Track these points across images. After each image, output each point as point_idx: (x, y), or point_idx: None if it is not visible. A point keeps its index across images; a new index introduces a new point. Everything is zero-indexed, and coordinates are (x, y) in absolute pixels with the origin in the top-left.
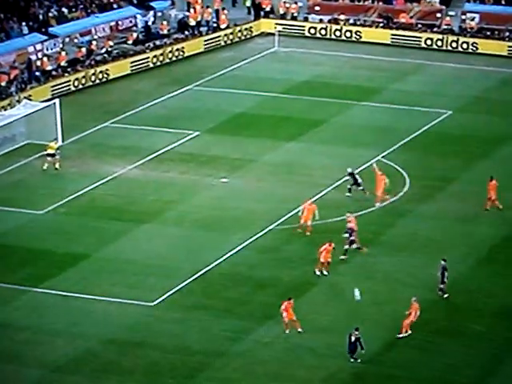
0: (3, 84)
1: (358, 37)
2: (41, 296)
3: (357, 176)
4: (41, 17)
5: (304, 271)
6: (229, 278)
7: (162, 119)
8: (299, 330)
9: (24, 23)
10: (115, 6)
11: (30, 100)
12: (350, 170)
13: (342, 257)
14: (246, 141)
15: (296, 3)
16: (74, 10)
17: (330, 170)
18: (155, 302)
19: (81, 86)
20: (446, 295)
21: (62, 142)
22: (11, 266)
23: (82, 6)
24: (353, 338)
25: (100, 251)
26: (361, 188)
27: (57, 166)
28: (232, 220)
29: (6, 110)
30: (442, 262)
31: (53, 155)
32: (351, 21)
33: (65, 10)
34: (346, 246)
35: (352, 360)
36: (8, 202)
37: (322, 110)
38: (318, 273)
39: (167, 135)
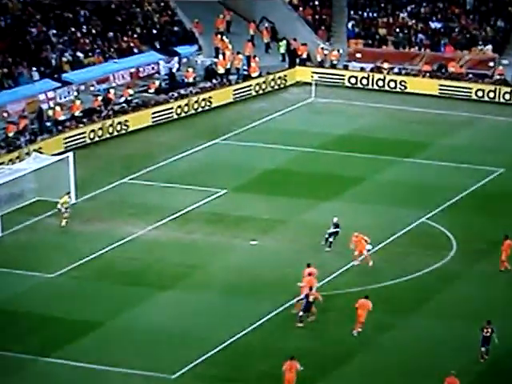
0: (11, 135)
1: (402, 87)
2: (50, 366)
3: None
4: (53, 62)
5: (342, 341)
6: (258, 350)
7: (186, 175)
8: None
9: (35, 68)
10: (136, 50)
11: (41, 153)
12: (335, 219)
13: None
14: (277, 200)
15: (337, 50)
16: (90, 54)
17: (370, 231)
18: (176, 375)
19: (97, 139)
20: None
21: (76, 199)
22: (19, 334)
23: (99, 51)
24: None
25: (116, 319)
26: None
27: (63, 223)
28: (262, 286)
29: (14, 163)
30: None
31: (66, 210)
32: (396, 69)
33: (80, 54)
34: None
35: None
36: (16, 264)
37: (361, 167)
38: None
39: (192, 193)
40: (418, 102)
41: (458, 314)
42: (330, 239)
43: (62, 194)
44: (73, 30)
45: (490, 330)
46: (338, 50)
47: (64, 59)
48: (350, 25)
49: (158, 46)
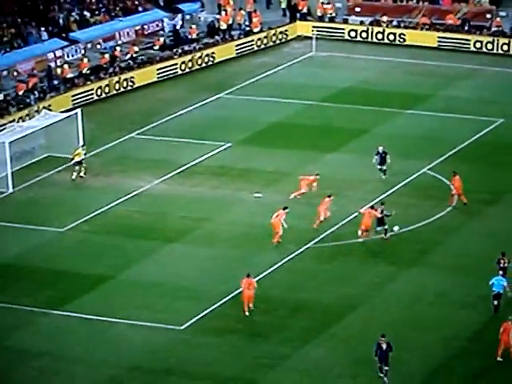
0: (21, 93)
1: (401, 40)
2: (61, 319)
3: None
4: (61, 21)
5: (344, 293)
6: (263, 301)
7: (191, 130)
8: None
9: (43, 28)
10: (140, 9)
11: (50, 110)
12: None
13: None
14: (281, 153)
15: (330, 3)
16: (96, 13)
17: (374, 183)
18: (184, 326)
19: (104, 95)
20: None
21: (84, 154)
22: (30, 288)
23: (104, 10)
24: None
25: (125, 272)
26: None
27: (82, 173)
28: (266, 238)
29: (24, 121)
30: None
31: (80, 163)
32: (394, 22)
33: (87, 13)
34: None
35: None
36: (27, 220)
37: (364, 119)
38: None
39: (197, 147)
40: (417, 54)
41: (459, 266)
42: (384, 167)
43: (77, 147)
44: None
45: (506, 261)
46: (333, 4)
47: (71, 19)
48: None
49: (161, 4)
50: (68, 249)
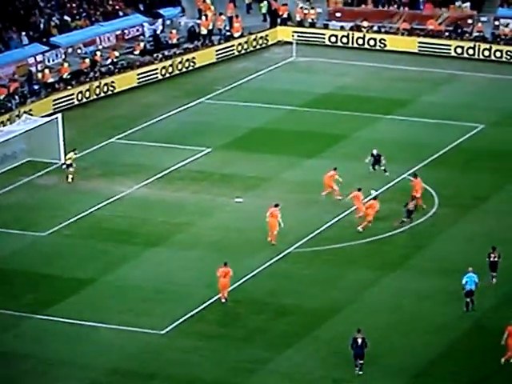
0: (2, 98)
1: (382, 45)
2: (43, 323)
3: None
4: (42, 26)
5: (327, 297)
6: (245, 305)
7: (171, 135)
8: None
9: (24, 33)
10: (121, 13)
11: (31, 115)
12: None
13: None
14: (262, 158)
15: (313, 8)
16: (77, 18)
17: (353, 188)
18: (165, 330)
19: (85, 100)
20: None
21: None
22: (12, 292)
23: (85, 14)
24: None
25: (106, 276)
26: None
27: (70, 179)
28: (248, 243)
29: (5, 125)
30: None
31: (70, 166)
32: (375, 28)
33: (67, 18)
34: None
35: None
36: (8, 224)
37: (344, 125)
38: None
39: (177, 152)
40: (397, 59)
41: (441, 270)
42: (382, 167)
43: (68, 151)
44: None
45: (496, 255)
46: (314, 8)
47: (52, 23)
48: None
49: (142, 9)
50: (50, 253)
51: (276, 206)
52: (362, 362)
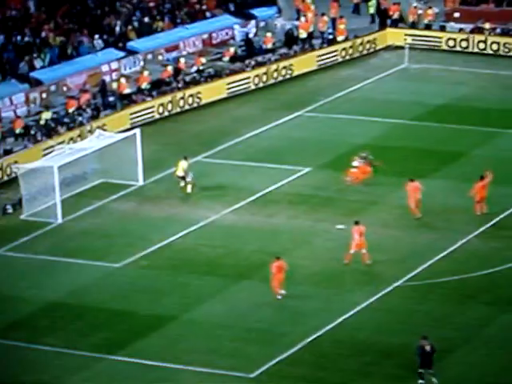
0: (72, 111)
1: (506, 49)
2: (117, 365)
3: None
4: (117, 29)
5: (438, 334)
6: (346, 346)
7: (265, 152)
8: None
9: (97, 36)
10: (208, 14)
11: (105, 130)
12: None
13: None
14: (369, 178)
15: (430, 8)
16: (158, 19)
17: (471, 214)
18: (255, 374)
19: (166, 113)
20: None
21: (144, 180)
22: (83, 330)
23: (168, 15)
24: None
25: (189, 312)
26: None
27: (189, 189)
28: (351, 275)
29: (75, 142)
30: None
31: (183, 178)
32: (498, 30)
33: (147, 19)
34: None
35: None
36: (78, 253)
37: (461, 140)
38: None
39: (272, 172)
40: None
41: None
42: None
43: (179, 159)
44: None
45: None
46: (430, 8)
47: (129, 26)
48: None
49: (232, 9)
50: (126, 286)
51: (356, 223)
52: (431, 371)
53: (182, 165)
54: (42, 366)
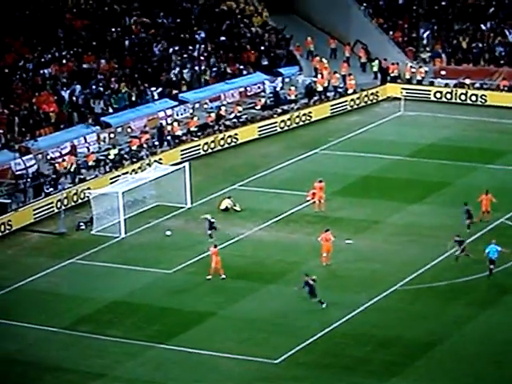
0: (134, 148)
1: (483, 100)
2: (166, 352)
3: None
4: (172, 81)
5: (426, 329)
6: (352, 337)
7: (288, 182)
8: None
9: (154, 88)
10: (244, 72)
11: (161, 163)
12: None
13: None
14: (370, 203)
15: (421, 67)
16: (205, 74)
17: (455, 230)
18: (279, 360)
19: (210, 150)
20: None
21: (192, 203)
22: (138, 324)
23: (213, 72)
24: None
25: (226, 309)
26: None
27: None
28: (356, 280)
29: (136, 173)
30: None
31: (226, 209)
32: (477, 85)
33: (195, 74)
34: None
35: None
36: (138, 262)
37: (446, 173)
38: None
39: (293, 198)
40: (497, 113)
41: None
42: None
43: (224, 197)
44: (190, 50)
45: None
46: (421, 67)
47: (182, 81)
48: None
49: (263, 68)
50: (174, 288)
51: (327, 230)
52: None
53: (226, 202)
54: (104, 353)
